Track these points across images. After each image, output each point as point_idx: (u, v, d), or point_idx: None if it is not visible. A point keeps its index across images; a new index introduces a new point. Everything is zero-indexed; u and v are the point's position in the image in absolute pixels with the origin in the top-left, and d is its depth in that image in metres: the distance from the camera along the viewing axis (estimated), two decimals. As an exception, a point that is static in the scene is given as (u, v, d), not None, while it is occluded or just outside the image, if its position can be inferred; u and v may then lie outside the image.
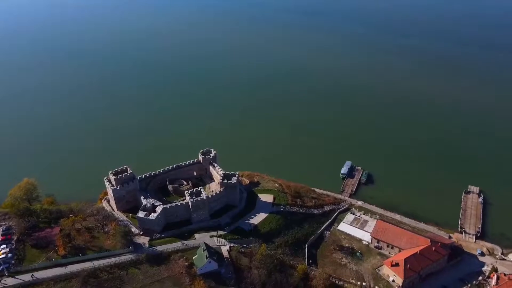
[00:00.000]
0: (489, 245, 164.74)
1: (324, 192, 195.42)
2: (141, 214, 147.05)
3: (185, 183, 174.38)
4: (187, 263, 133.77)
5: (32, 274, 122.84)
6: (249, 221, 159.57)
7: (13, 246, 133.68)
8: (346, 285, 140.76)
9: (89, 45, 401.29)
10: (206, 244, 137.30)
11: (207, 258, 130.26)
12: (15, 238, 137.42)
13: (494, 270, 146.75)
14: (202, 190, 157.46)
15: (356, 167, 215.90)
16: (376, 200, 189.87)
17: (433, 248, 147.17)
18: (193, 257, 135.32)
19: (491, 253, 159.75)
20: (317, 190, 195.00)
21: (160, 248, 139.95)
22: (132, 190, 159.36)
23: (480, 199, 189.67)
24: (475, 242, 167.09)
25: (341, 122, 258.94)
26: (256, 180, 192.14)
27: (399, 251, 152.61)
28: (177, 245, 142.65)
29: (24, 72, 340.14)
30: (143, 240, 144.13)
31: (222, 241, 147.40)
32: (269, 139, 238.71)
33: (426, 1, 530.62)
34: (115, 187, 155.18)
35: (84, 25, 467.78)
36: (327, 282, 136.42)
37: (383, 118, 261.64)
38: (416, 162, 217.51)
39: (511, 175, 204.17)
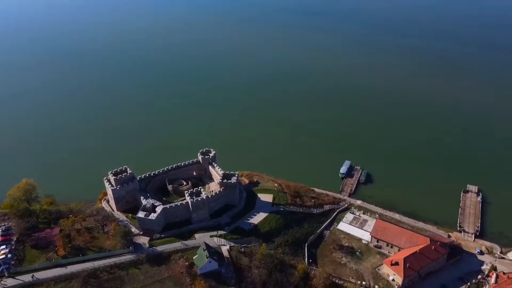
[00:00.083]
0: (488, 244, 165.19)
1: (324, 191, 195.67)
2: (141, 214, 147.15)
3: (184, 183, 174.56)
4: (187, 263, 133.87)
5: (33, 275, 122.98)
6: (249, 221, 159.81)
7: (13, 247, 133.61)
8: (346, 284, 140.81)
9: (89, 45, 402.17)
10: (206, 244, 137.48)
11: (207, 258, 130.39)
12: (14, 239, 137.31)
13: (493, 268, 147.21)
14: (202, 190, 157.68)
15: (355, 167, 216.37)
16: (375, 200, 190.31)
17: (433, 247, 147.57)
18: (194, 257, 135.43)
19: (490, 252, 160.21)
20: (316, 189, 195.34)
21: (160, 248, 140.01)
22: (131, 190, 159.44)
23: (479, 198, 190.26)
24: (474, 241, 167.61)
25: (340, 122, 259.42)
26: (255, 180, 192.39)
27: (399, 250, 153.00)
28: (177, 245, 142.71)
29: (23, 72, 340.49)
30: (143, 240, 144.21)
31: (222, 241, 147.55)
32: (268, 139, 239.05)
33: (426, 1, 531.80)
34: (115, 187, 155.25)
35: (84, 25, 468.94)
36: (327, 281, 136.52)
37: (381, 117, 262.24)
38: (415, 161, 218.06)
39: (509, 174, 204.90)
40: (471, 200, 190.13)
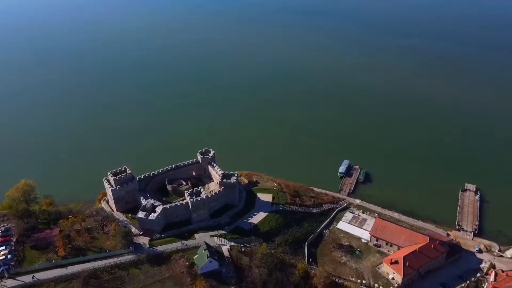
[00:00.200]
0: (486, 242, 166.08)
1: (323, 191, 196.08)
2: (141, 214, 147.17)
3: (184, 183, 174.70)
4: (187, 263, 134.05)
5: (33, 275, 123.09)
6: (249, 221, 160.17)
7: (13, 248, 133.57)
8: (346, 283, 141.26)
9: (89, 44, 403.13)
10: (207, 244, 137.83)
11: (208, 257, 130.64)
12: (14, 240, 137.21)
13: (492, 266, 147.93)
14: (201, 190, 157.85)
15: (354, 166, 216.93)
16: (374, 199, 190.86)
17: (432, 246, 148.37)
18: (194, 257, 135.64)
19: (489, 250, 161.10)
20: (315, 189, 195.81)
21: (160, 248, 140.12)
22: (131, 190, 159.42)
23: (477, 197, 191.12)
24: (472, 239, 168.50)
25: (339, 121, 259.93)
26: (254, 179, 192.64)
27: (398, 249, 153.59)
28: (177, 245, 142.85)
29: (23, 71, 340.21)
30: (143, 240, 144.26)
31: (222, 240, 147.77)
32: (267, 138, 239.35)
33: (426, 1, 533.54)
34: (115, 187, 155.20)
35: (84, 25, 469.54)
36: (328, 280, 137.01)
37: (380, 117, 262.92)
38: (413, 160, 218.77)
39: (507, 173, 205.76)
40: (469, 199, 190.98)
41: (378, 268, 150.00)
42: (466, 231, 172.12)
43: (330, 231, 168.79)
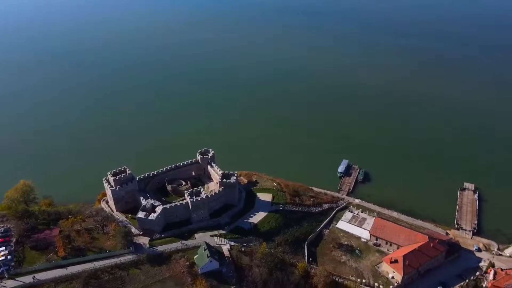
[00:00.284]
0: (485, 241, 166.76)
1: (322, 190, 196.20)
2: (141, 214, 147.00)
3: (183, 183, 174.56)
4: (188, 263, 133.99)
5: (34, 276, 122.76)
6: (249, 220, 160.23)
7: (12, 248, 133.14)
8: (346, 282, 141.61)
9: (88, 44, 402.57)
10: (207, 244, 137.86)
11: (208, 257, 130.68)
12: (14, 240, 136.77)
13: (491, 265, 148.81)
14: (201, 189, 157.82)
15: (353, 166, 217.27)
16: (374, 198, 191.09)
17: (431, 245, 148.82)
18: (194, 257, 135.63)
19: (488, 249, 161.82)
20: (315, 188, 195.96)
21: (160, 248, 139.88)
22: (131, 190, 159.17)
23: (476, 196, 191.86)
24: (471, 238, 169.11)
25: (338, 121, 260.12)
26: (254, 179, 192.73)
27: (398, 248, 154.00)
28: (178, 245, 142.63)
29: (21, 72, 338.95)
30: (143, 240, 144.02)
31: (223, 240, 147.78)
32: (266, 138, 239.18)
33: (426, 1, 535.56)
34: (114, 188, 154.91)
35: (84, 25, 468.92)
36: (328, 280, 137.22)
37: (379, 117, 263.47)
38: (412, 160, 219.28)
39: (505, 172, 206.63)
40: (468, 198, 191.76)
41: (378, 267, 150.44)
42: (465, 230, 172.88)
43: (329, 231, 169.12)
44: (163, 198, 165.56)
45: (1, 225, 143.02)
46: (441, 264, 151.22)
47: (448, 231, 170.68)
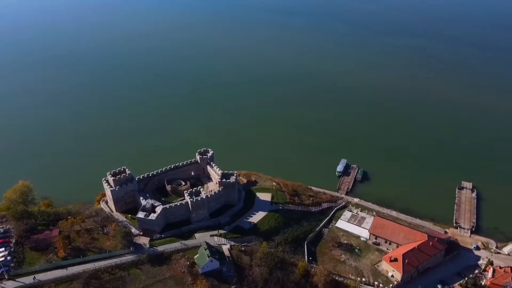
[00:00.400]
0: (483, 239, 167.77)
1: (321, 190, 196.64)
2: (141, 214, 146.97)
3: (183, 183, 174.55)
4: (188, 263, 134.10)
5: (34, 276, 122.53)
6: (249, 220, 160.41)
7: (12, 249, 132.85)
8: (346, 281, 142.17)
9: (88, 43, 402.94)
10: (207, 243, 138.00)
11: (208, 257, 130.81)
12: (13, 241, 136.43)
13: (490, 263, 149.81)
14: (201, 189, 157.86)
15: (352, 165, 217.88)
16: (372, 197, 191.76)
17: (430, 243, 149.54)
18: (195, 257, 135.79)
19: (486, 247, 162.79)
20: (314, 188, 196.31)
21: (161, 248, 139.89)
22: (130, 191, 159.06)
23: (474, 195, 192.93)
24: (470, 236, 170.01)
25: (336, 121, 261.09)
26: (253, 179, 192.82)
27: (397, 246, 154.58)
28: (178, 245, 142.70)
29: (20, 72, 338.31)
30: (144, 240, 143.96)
31: (223, 240, 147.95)
32: (264, 138, 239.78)
33: (426, 1, 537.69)
34: (114, 188, 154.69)
35: (83, 25, 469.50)
36: (328, 279, 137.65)
37: (377, 116, 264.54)
38: (410, 159, 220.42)
39: (503, 171, 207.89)
40: (466, 196, 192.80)
41: (378, 266, 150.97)
42: (464, 228, 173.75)
43: (329, 230, 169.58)
44: (162, 198, 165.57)
45: (1, 226, 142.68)
46: (440, 263, 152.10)
47: (446, 230, 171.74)
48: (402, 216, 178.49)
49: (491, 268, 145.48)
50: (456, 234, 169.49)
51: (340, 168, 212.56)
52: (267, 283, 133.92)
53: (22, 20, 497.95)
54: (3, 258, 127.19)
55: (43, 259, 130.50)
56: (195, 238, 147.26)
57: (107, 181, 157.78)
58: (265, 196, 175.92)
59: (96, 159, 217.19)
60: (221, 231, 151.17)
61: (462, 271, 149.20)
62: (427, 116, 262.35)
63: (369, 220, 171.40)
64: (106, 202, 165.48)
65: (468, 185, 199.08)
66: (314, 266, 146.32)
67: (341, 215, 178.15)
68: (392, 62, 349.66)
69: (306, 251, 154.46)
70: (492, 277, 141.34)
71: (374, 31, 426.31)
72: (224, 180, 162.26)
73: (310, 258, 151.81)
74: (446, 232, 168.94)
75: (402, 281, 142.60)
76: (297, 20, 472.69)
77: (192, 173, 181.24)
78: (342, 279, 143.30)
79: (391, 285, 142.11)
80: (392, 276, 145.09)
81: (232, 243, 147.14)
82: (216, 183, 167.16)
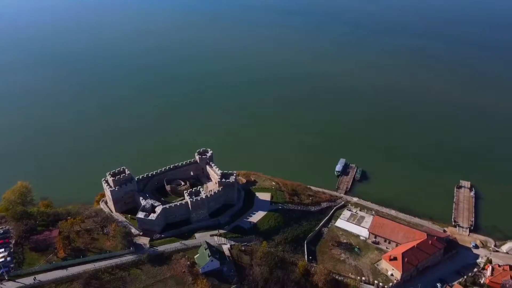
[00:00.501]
0: (482, 237, 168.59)
1: (320, 189, 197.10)
2: (140, 214, 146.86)
3: (182, 183, 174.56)
4: (189, 263, 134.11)
5: (35, 277, 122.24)
6: (248, 220, 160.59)
7: (12, 250, 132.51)
8: (346, 280, 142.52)
9: (86, 44, 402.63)
10: (207, 243, 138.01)
11: (209, 256, 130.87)
12: (13, 242, 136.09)
13: (489, 261, 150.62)
14: (201, 189, 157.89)
15: (350, 165, 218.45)
16: (371, 197, 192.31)
17: (430, 242, 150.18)
18: (195, 256, 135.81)
19: (485, 246, 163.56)
20: (313, 188, 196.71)
21: (161, 248, 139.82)
22: (130, 191, 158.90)
23: (472, 193, 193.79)
24: (468, 235, 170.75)
25: (334, 120, 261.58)
26: (252, 179, 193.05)
27: (396, 245, 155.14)
28: (178, 244, 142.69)
29: (19, 72, 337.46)
30: (144, 240, 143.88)
31: (223, 239, 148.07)
32: (263, 138, 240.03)
33: (426, 1, 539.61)
34: (113, 188, 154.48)
35: (82, 25, 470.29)
36: (328, 278, 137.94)
37: (375, 116, 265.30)
38: (408, 158, 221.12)
39: (500, 170, 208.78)
40: (464, 195, 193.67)
41: (377, 265, 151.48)
42: (462, 227, 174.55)
43: (328, 229, 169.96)
44: (162, 198, 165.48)
45: (0, 227, 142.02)
46: (440, 261, 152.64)
47: (445, 229, 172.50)
48: (401, 215, 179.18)
49: (490, 267, 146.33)
50: (454, 233, 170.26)
51: (339, 167, 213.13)
52: (267, 282, 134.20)
53: (21, 19, 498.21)
54: (2, 259, 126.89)
55: (43, 259, 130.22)
56: (195, 238, 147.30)
57: (107, 182, 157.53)
58: (264, 196, 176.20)
59: (95, 159, 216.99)
60: (221, 231, 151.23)
61: (461, 269, 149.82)
62: (425, 116, 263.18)
63: (368, 219, 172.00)
64: (106, 203, 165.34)
65: (466, 184, 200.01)
66: (314, 265, 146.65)
67: (340, 214, 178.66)
68: (392, 62, 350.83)
69: (306, 250, 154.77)
70: (491, 275, 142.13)
71: (374, 31, 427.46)
72: (223, 180, 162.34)
73: (310, 257, 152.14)
74: (445, 231, 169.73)
75: (402, 280, 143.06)
76: (297, 20, 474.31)
77: (192, 173, 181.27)
78: (342, 278, 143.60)
79: (390, 283, 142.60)
80: (392, 275, 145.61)
81: (232, 242, 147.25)
82: (216, 183, 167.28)
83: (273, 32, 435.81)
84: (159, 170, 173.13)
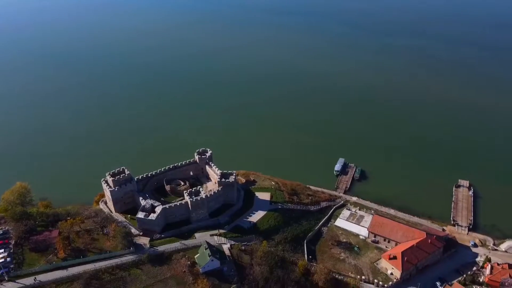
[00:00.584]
0: (481, 236, 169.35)
1: (319, 189, 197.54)
2: (140, 214, 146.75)
3: (182, 183, 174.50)
4: (189, 262, 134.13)
5: (35, 277, 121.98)
6: (248, 219, 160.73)
7: (11, 250, 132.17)
8: (346, 279, 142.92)
9: (85, 44, 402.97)
10: (208, 243, 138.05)
11: (209, 256, 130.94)
12: (12, 242, 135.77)
13: (488, 260, 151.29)
14: (200, 189, 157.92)
15: (349, 164, 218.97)
16: (370, 196, 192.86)
17: (429, 241, 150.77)
18: (195, 256, 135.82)
19: (484, 244, 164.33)
20: (312, 187, 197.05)
21: (161, 248, 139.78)
22: (130, 191, 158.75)
23: (470, 192, 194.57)
24: (467, 234, 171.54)
25: (333, 120, 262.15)
26: (252, 178, 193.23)
27: (396, 244, 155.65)
28: (178, 244, 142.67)
29: (17, 72, 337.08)
30: (144, 240, 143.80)
31: (223, 239, 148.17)
32: (262, 138, 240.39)
33: (426, 1, 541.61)
34: (113, 188, 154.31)
35: (81, 25, 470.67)
36: (328, 277, 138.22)
37: (374, 115, 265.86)
38: (407, 158, 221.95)
39: (499, 169, 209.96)
40: (463, 194, 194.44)
41: (377, 264, 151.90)
42: (461, 226, 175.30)
43: (328, 229, 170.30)
44: (161, 198, 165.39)
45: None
46: (439, 260, 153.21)
47: (444, 227, 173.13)
48: (400, 214, 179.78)
49: (489, 265, 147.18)
50: (453, 232, 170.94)
51: (338, 167, 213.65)
52: (267, 282, 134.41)
53: (21, 19, 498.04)
54: (2, 260, 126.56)
55: (43, 260, 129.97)
56: (195, 238, 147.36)
57: (106, 182, 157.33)
58: (264, 196, 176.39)
59: (94, 159, 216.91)
60: (221, 231, 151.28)
61: (460, 268, 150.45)
62: (424, 116, 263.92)
63: (368, 219, 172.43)
64: (105, 203, 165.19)
65: (465, 183, 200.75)
66: (314, 264, 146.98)
67: (339, 213, 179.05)
68: (391, 62, 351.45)
69: (306, 249, 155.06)
70: (490, 274, 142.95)
71: (374, 31, 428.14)
72: (223, 179, 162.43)
73: (310, 256, 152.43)
74: (444, 230, 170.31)
75: (401, 279, 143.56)
76: (297, 20, 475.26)
77: (191, 173, 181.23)
78: (342, 277, 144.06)
79: (390, 282, 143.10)
80: (391, 273, 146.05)
81: (232, 242, 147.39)
82: (215, 182, 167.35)
83: (273, 32, 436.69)
84: (158, 170, 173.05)
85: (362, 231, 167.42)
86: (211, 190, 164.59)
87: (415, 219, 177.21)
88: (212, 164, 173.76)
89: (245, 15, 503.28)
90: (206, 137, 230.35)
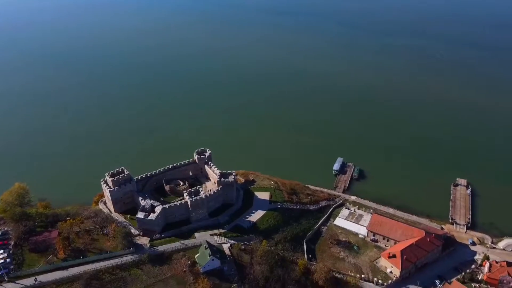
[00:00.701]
0: (479, 234, 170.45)
1: (318, 188, 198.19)
2: (140, 214, 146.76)
3: (181, 183, 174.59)
4: (189, 262, 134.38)
5: (35, 278, 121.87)
6: (248, 219, 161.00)
7: (11, 251, 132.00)
8: (346, 278, 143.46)
9: (85, 44, 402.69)
10: (208, 242, 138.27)
11: (209, 256, 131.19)
12: (12, 243, 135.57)
13: (486, 258, 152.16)
14: (200, 189, 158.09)
15: (348, 163, 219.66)
16: (369, 195, 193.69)
17: (428, 239, 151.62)
18: (196, 256, 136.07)
19: (482, 242, 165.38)
20: (311, 187, 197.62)
21: (161, 248, 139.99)
22: (129, 191, 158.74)
23: (468, 191, 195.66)
24: (465, 232, 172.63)
25: (332, 120, 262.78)
26: (251, 178, 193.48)
27: (395, 243, 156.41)
28: (178, 244, 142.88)
29: (18, 71, 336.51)
30: (144, 240, 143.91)
31: (223, 239, 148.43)
32: (261, 138, 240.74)
33: (426, 1, 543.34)
34: (113, 189, 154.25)
35: (81, 25, 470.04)
36: (328, 276, 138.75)
37: (372, 115, 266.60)
38: (405, 157, 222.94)
39: (496, 168, 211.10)
40: (461, 193, 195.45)
41: (376, 263, 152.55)
42: (459, 224, 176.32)
43: (327, 228, 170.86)
44: (161, 198, 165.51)
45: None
46: (438, 258, 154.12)
47: (443, 226, 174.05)
48: (398, 213, 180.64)
49: (488, 263, 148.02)
50: (452, 230, 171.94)
51: (336, 166, 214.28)
52: (268, 281, 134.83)
53: (21, 18, 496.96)
54: (2, 260, 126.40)
55: (43, 260, 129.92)
56: (195, 238, 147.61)
57: (106, 182, 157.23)
58: (263, 195, 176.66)
59: (94, 159, 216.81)
60: (221, 230, 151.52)
61: (459, 266, 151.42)
62: (423, 115, 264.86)
63: (367, 218, 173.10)
64: (105, 203, 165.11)
65: (463, 181, 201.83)
66: (314, 263, 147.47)
67: (339, 213, 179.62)
68: (391, 62, 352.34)
69: (306, 248, 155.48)
70: (488, 272, 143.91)
71: (374, 31, 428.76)
72: (222, 179, 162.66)
73: (310, 255, 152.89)
74: (442, 228, 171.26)
75: (401, 277, 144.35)
76: (297, 20, 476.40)
77: (190, 173, 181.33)
78: (342, 276, 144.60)
79: (390, 281, 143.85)
80: (391, 272, 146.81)
81: (232, 242, 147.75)
82: (215, 182, 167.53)
83: (272, 32, 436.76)
84: (158, 170, 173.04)
85: (361, 230, 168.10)
86: (210, 190, 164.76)
87: (414, 217, 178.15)
88: (211, 164, 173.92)
89: (245, 15, 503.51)
90: (205, 137, 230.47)
